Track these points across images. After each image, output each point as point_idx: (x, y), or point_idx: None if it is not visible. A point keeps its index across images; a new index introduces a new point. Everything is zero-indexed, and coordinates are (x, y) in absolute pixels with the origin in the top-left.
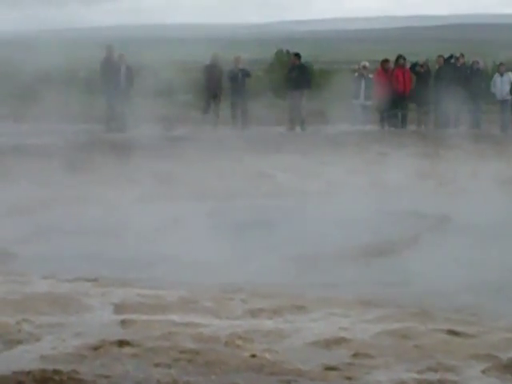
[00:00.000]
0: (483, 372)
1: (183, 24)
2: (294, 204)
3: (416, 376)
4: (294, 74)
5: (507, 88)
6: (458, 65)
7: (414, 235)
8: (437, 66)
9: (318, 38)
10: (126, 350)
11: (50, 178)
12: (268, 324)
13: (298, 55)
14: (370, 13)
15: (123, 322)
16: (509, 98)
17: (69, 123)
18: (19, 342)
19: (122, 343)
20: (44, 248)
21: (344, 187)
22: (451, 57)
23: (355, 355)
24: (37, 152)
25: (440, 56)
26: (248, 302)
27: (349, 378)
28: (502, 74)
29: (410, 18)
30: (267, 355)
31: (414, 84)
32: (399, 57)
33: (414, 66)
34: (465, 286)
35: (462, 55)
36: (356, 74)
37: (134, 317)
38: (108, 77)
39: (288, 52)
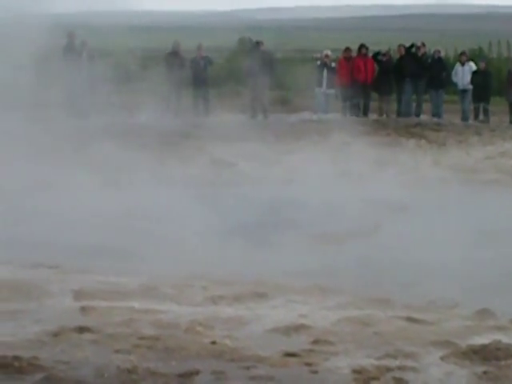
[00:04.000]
0: (442, 358)
1: (145, 11)
2: (257, 191)
3: (375, 362)
4: (255, 62)
5: (468, 77)
6: (419, 54)
7: (375, 223)
8: (398, 56)
9: (281, 26)
10: (86, 336)
11: (7, 164)
12: (228, 311)
13: (260, 43)
14: (334, 1)
15: (83, 309)
16: (470, 87)
17: (29, 109)
18: None
19: (81, 329)
20: (4, 234)
21: (305, 175)
22: (412, 46)
23: (315, 342)
24: None
25: (401, 45)
26: (209, 289)
27: (308, 365)
28: (463, 64)
29: (373, 7)
30: (227, 342)
31: (376, 73)
32: (361, 46)
33: (376, 55)
34: (424, 274)
35: (423, 44)
36: (318, 63)
37: (94, 303)
38: (69, 63)
39: (251, 40)
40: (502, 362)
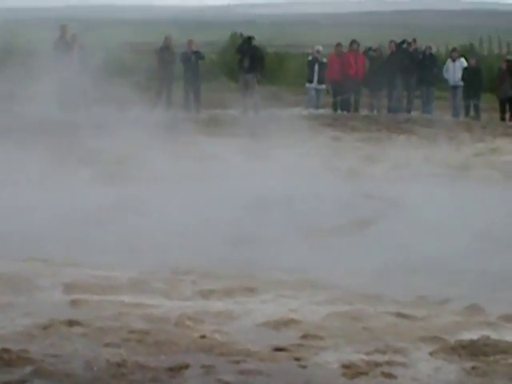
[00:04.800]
0: (431, 354)
1: (137, 5)
2: (247, 186)
3: (364, 357)
4: (246, 57)
5: (459, 74)
6: (411, 50)
7: (364, 218)
8: (389, 52)
9: (275, 22)
10: (76, 329)
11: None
12: (218, 305)
13: (251, 38)
14: None
15: (73, 302)
16: (461, 83)
17: (21, 103)
18: None
19: (71, 323)
20: None
21: (296, 170)
22: (403, 42)
23: (304, 336)
24: None
25: (392, 41)
26: (198, 284)
27: (297, 359)
28: (454, 60)
29: (365, 3)
30: (217, 336)
31: (367, 69)
32: (352, 41)
33: (367, 50)
34: (414, 270)
35: (415, 40)
36: (310, 58)
37: (84, 297)
38: (61, 57)
39: (242, 35)
40: (491, 358)
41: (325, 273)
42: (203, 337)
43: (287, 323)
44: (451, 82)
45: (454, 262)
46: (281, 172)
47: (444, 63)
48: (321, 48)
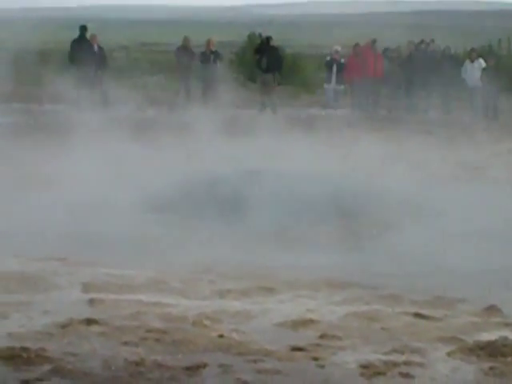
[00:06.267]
0: (448, 354)
1: (155, 6)
2: (263, 186)
3: (382, 357)
4: (264, 57)
5: (478, 74)
6: (429, 50)
7: (382, 219)
8: (407, 52)
9: (293, 22)
10: (94, 328)
11: (16, 156)
12: (236, 305)
13: (270, 38)
14: None
15: (91, 301)
16: (479, 84)
17: (39, 102)
18: None
19: (89, 322)
20: (12, 227)
21: (315, 170)
22: (422, 42)
23: (322, 336)
24: (4, 131)
25: (410, 41)
26: (216, 283)
27: (315, 359)
28: (473, 61)
29: (384, 4)
30: (234, 335)
31: (385, 69)
32: (372, 41)
33: (385, 50)
34: (432, 270)
35: (433, 41)
36: (328, 59)
37: (102, 296)
38: (80, 57)
39: (260, 35)
40: (509, 359)
41: (344, 273)
42: (221, 336)
43: (305, 323)
44: (469, 83)
45: (470, 261)
46: (299, 171)
47: (462, 64)
48: (339, 48)
